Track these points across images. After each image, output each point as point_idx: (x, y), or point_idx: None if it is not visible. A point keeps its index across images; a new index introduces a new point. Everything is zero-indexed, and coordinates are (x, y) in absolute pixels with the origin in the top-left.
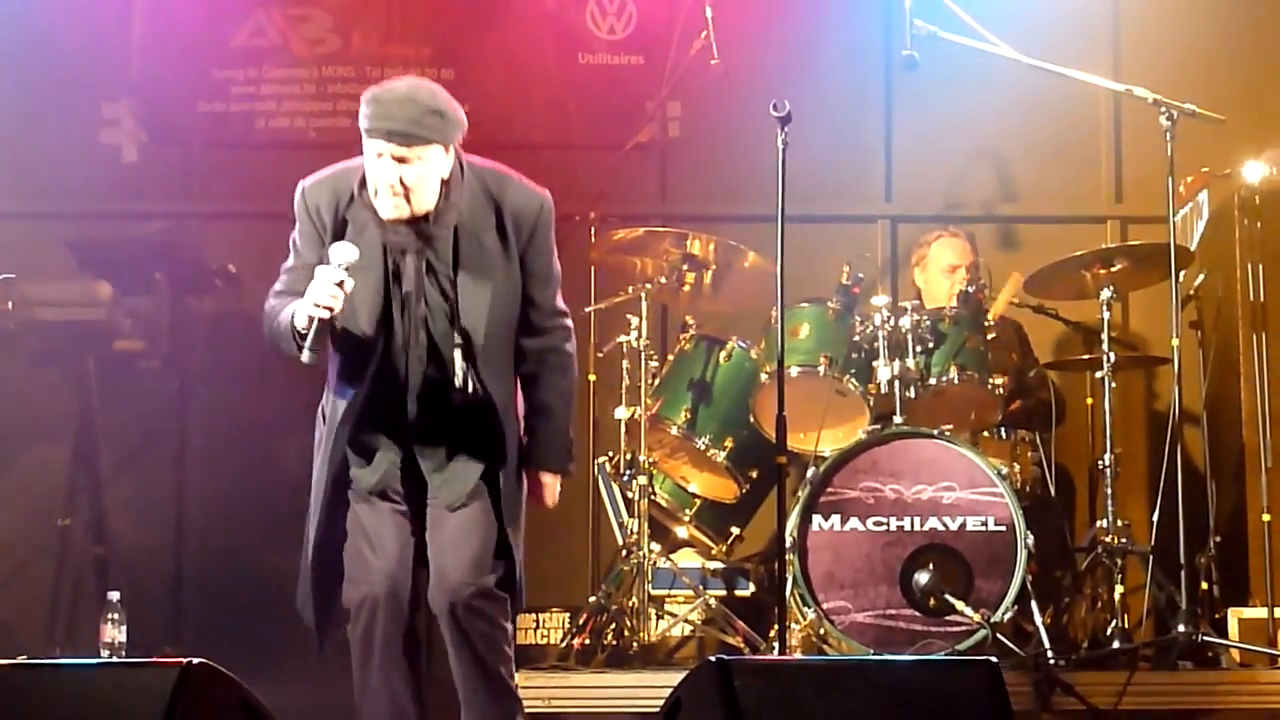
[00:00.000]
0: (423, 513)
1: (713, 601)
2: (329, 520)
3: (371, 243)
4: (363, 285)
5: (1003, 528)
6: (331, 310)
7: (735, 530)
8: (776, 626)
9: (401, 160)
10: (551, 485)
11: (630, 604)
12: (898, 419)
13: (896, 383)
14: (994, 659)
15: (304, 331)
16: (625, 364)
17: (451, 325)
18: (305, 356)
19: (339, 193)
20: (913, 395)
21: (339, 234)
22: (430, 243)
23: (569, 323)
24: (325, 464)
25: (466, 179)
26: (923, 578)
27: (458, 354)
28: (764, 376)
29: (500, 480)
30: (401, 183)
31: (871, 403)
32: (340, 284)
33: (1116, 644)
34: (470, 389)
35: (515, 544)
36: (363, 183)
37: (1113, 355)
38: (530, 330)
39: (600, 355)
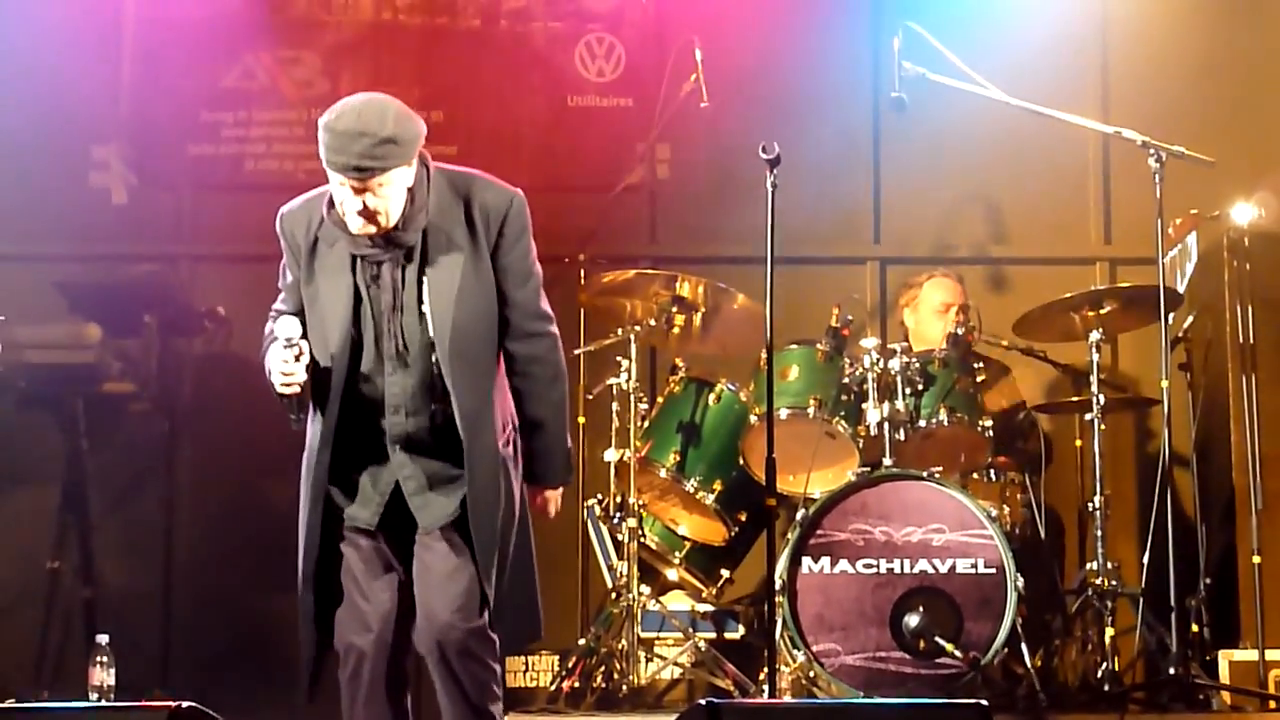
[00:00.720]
0: (409, 547)
1: (702, 644)
2: (319, 555)
3: (340, 255)
4: (334, 299)
5: (992, 570)
6: (299, 384)
7: (725, 572)
8: (766, 669)
9: (361, 190)
10: (553, 498)
11: (620, 646)
12: (887, 461)
13: (886, 425)
14: (984, 702)
15: (285, 404)
16: (615, 406)
17: (420, 321)
18: (294, 424)
19: (311, 214)
20: (902, 437)
21: (312, 253)
22: (400, 249)
23: (554, 329)
24: (310, 495)
25: (434, 181)
26: (913, 620)
27: (432, 360)
28: (753, 419)
29: (472, 505)
30: (365, 207)
31: (861, 445)
32: (297, 358)
33: (1107, 686)
34: (445, 399)
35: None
36: (331, 202)
37: (1102, 397)
38: (513, 333)
39: (590, 397)
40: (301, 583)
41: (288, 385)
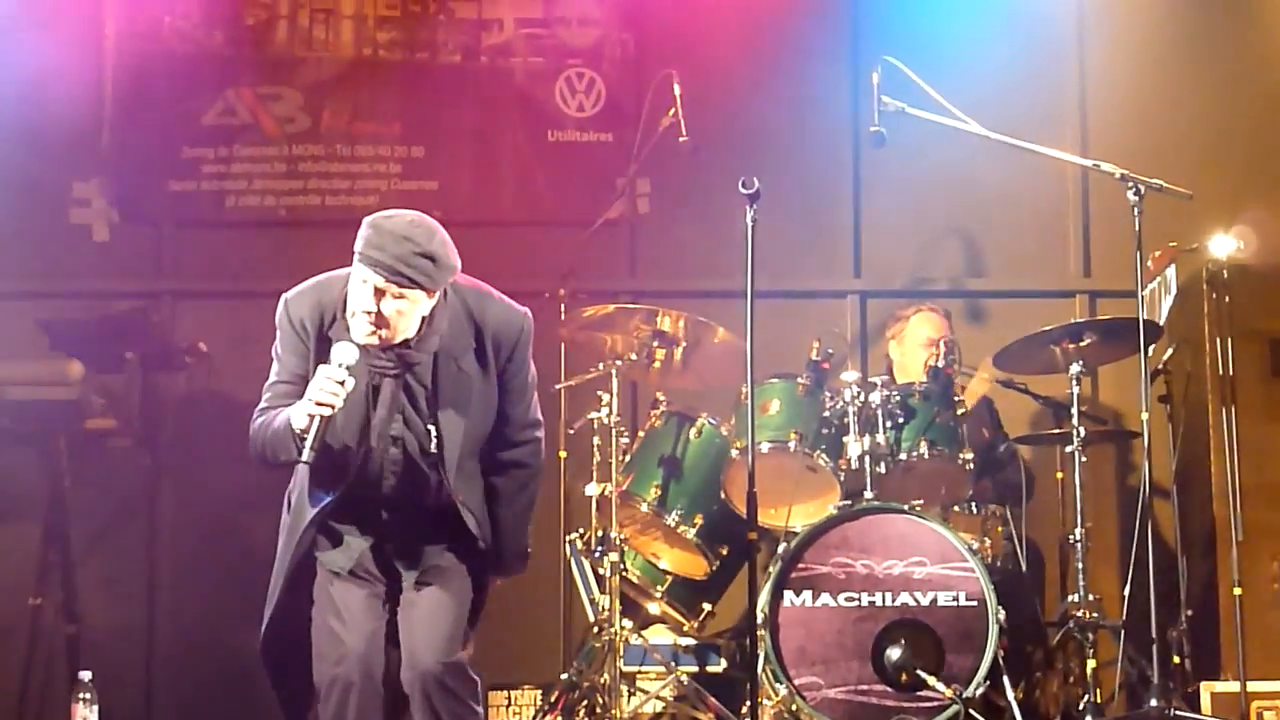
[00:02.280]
0: (395, 592)
1: (685, 678)
2: (286, 607)
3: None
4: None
5: (974, 603)
6: (333, 408)
7: (707, 606)
8: (749, 703)
9: (383, 293)
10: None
11: (602, 681)
12: (868, 494)
13: (867, 458)
14: None
15: (303, 433)
16: (596, 440)
17: (427, 442)
18: (305, 456)
19: (323, 308)
20: (883, 471)
21: (322, 350)
22: (410, 368)
23: (540, 434)
24: (288, 554)
25: (449, 300)
26: (894, 653)
27: (432, 471)
28: (734, 453)
29: (469, 555)
30: (379, 314)
31: (842, 478)
32: (342, 383)
33: (1089, 719)
34: (442, 496)
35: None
36: (345, 303)
37: (1082, 430)
38: (501, 443)
39: (571, 432)
40: (268, 623)
41: (323, 405)
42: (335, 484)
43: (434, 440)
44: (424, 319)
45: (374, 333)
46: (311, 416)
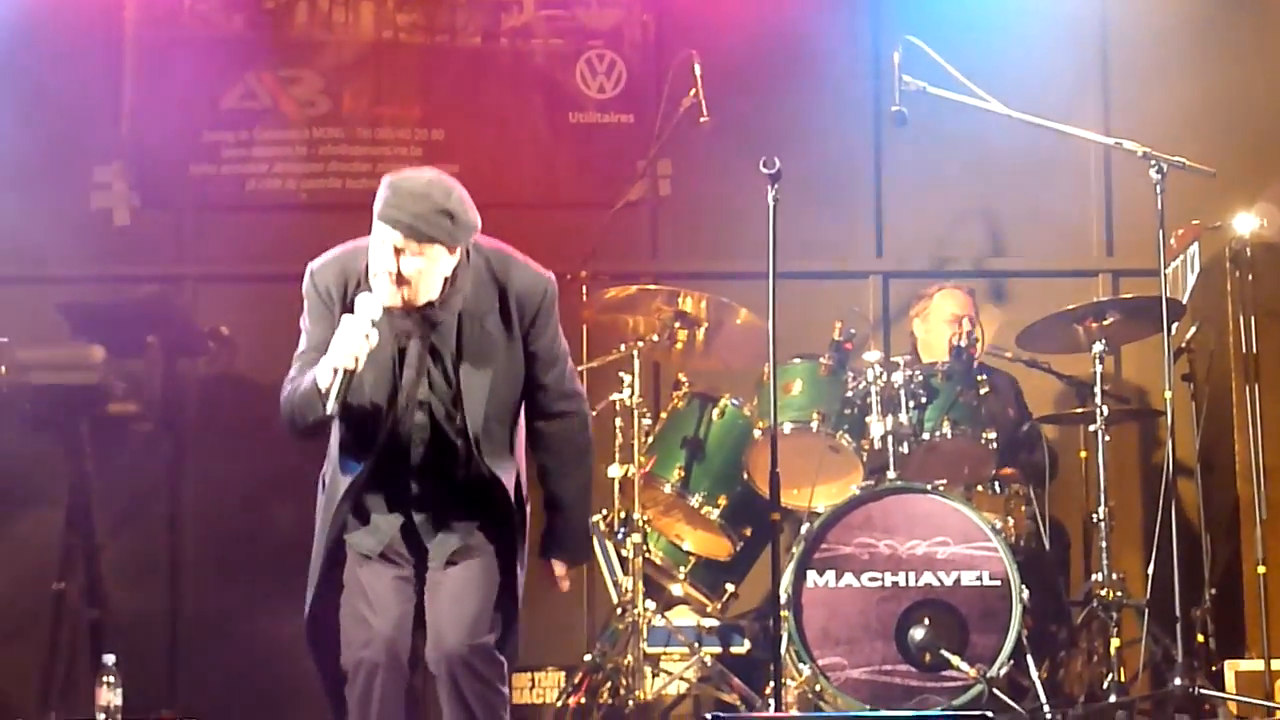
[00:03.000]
0: (423, 574)
1: (708, 659)
2: (326, 590)
3: (379, 326)
4: (370, 366)
5: (997, 582)
6: (357, 360)
7: (730, 587)
8: (772, 683)
9: (402, 251)
10: (563, 575)
11: (626, 662)
12: (891, 474)
13: (890, 438)
14: (990, 714)
15: (327, 388)
16: (618, 422)
17: (454, 407)
18: (330, 408)
19: (346, 274)
20: (906, 450)
21: (346, 310)
22: (434, 329)
23: (584, 406)
24: (325, 534)
25: (472, 262)
26: (918, 633)
27: (458, 437)
28: (757, 433)
29: (500, 538)
30: (399, 273)
31: (865, 458)
32: (366, 335)
33: (1113, 697)
34: (471, 467)
35: (515, 602)
36: (369, 270)
37: (1106, 409)
38: (541, 413)
39: (593, 414)
40: (310, 607)
41: (346, 356)
42: (365, 451)
43: (459, 401)
44: (447, 280)
45: (396, 293)
46: (336, 370)
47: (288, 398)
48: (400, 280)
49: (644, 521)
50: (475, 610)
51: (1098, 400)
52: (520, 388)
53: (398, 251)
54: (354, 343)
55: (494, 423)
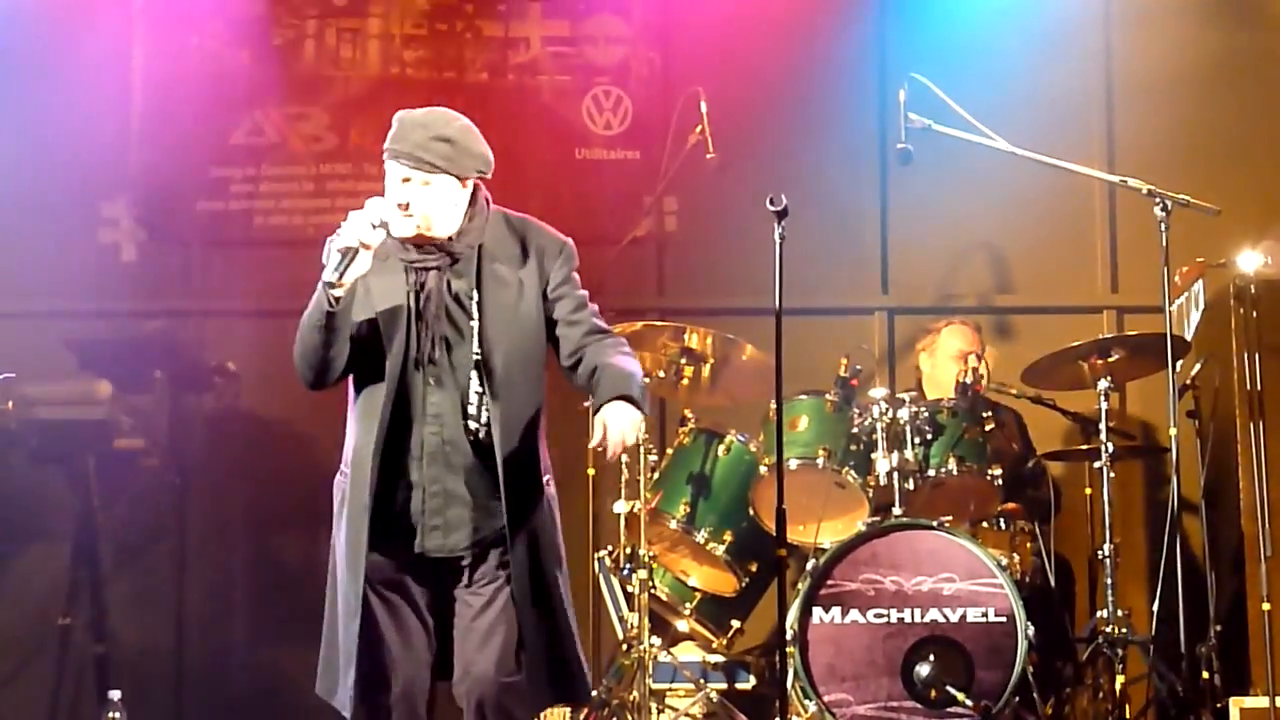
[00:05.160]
0: (440, 599)
1: (714, 695)
2: (356, 603)
3: (393, 265)
4: (387, 296)
5: (1003, 618)
6: (362, 244)
7: (736, 623)
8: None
9: (409, 181)
10: (622, 429)
11: (631, 698)
12: (897, 510)
13: (895, 474)
14: None
15: (333, 268)
16: (624, 458)
17: (469, 343)
18: (329, 275)
19: None
20: (911, 487)
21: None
22: (454, 263)
23: (623, 340)
24: (348, 532)
25: (492, 213)
26: (924, 669)
27: (473, 376)
28: (763, 469)
29: (523, 557)
30: (409, 204)
31: (871, 494)
32: (374, 226)
33: None
34: (483, 419)
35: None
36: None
37: (1111, 445)
38: (577, 351)
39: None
40: (343, 630)
41: (349, 238)
42: (381, 401)
43: (481, 334)
44: (466, 214)
45: (404, 223)
46: (344, 251)
47: (298, 330)
48: (410, 211)
49: (650, 557)
50: (505, 642)
51: (1103, 436)
52: (541, 341)
53: (405, 183)
54: (360, 228)
55: (514, 370)
